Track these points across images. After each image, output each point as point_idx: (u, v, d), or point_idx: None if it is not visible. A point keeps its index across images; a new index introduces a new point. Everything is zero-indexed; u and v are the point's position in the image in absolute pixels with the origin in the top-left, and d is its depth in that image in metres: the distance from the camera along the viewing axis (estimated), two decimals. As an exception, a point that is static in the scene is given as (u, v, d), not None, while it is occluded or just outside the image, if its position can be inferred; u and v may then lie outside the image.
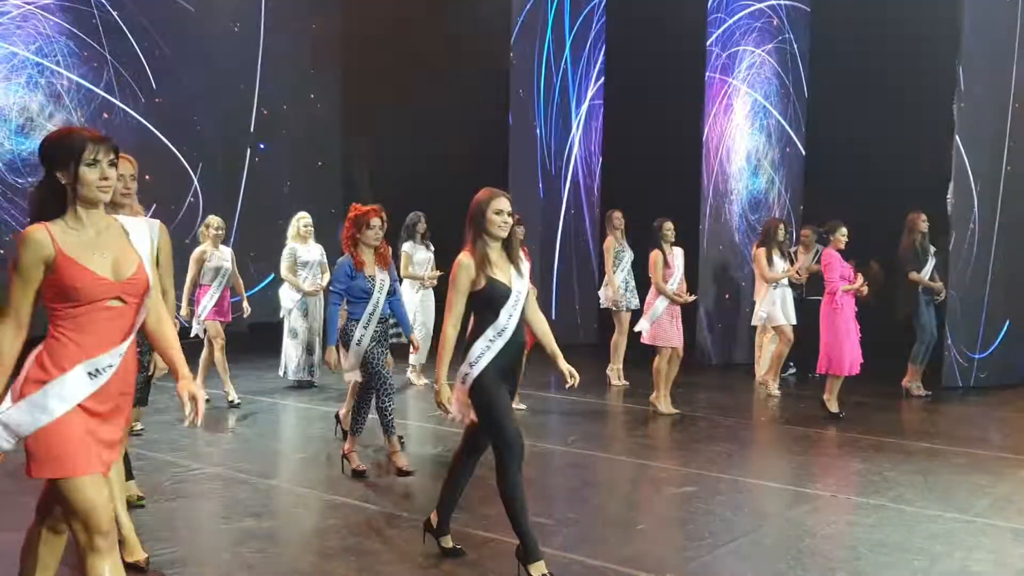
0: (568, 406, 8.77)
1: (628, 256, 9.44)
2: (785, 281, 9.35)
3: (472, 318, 4.33)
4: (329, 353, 6.00)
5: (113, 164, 2.96)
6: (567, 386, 4.37)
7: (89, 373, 2.93)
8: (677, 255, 8.37)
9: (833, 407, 8.24)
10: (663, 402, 8.39)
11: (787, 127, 12.06)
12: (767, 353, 9.77)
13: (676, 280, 8.26)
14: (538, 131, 12.75)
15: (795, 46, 12.11)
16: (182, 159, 12.18)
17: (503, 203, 4.28)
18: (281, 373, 9.32)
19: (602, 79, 13.43)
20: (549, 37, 12.79)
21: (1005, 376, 10.23)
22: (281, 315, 9.25)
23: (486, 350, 4.22)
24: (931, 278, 9.39)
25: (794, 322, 9.35)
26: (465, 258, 4.26)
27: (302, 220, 9.07)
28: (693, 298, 8.55)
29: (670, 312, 8.22)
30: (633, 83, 13.22)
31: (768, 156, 11.88)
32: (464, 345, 4.28)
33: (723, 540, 4.91)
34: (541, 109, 12.82)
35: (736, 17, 11.56)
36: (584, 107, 13.22)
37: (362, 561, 4.50)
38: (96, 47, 11.13)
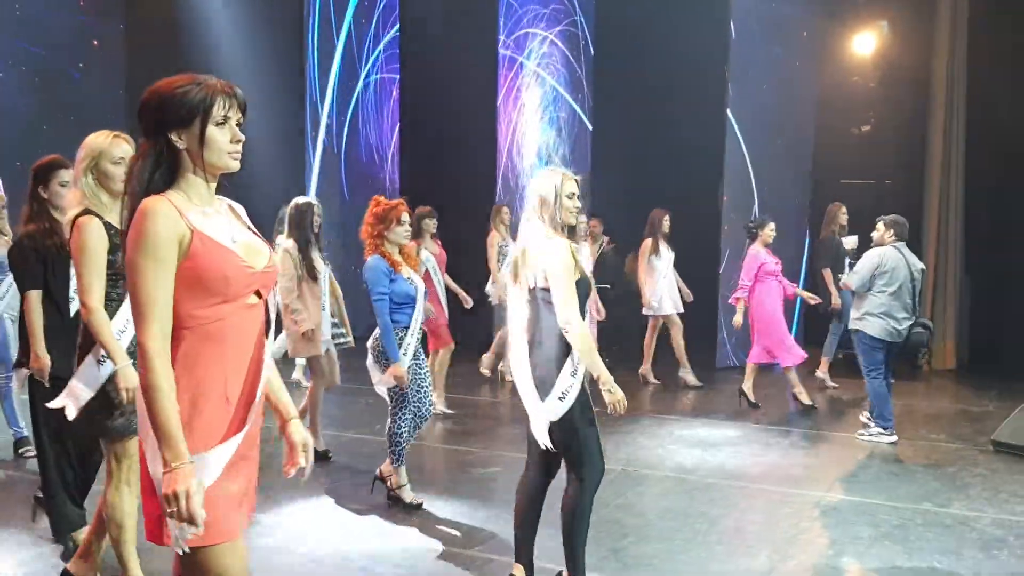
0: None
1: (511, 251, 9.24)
2: (670, 271, 9.40)
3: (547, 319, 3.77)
4: (396, 369, 5.08)
5: (241, 124, 2.32)
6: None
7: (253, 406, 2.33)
8: (583, 250, 8.11)
9: (751, 395, 8.42)
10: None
11: (581, 115, 12.36)
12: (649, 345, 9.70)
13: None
14: (308, 108, 12.08)
15: (586, 30, 12.29)
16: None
17: (574, 186, 3.83)
18: None
19: (393, 57, 12.96)
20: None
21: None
22: None
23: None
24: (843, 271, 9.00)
25: (681, 310, 9.47)
26: (565, 243, 3.73)
27: None
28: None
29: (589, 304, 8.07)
30: (429, 66, 12.92)
31: (559, 151, 12.28)
32: (554, 353, 3.75)
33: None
34: (314, 83, 12.07)
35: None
36: (359, 85, 12.64)
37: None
38: None
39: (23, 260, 4.25)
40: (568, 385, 3.71)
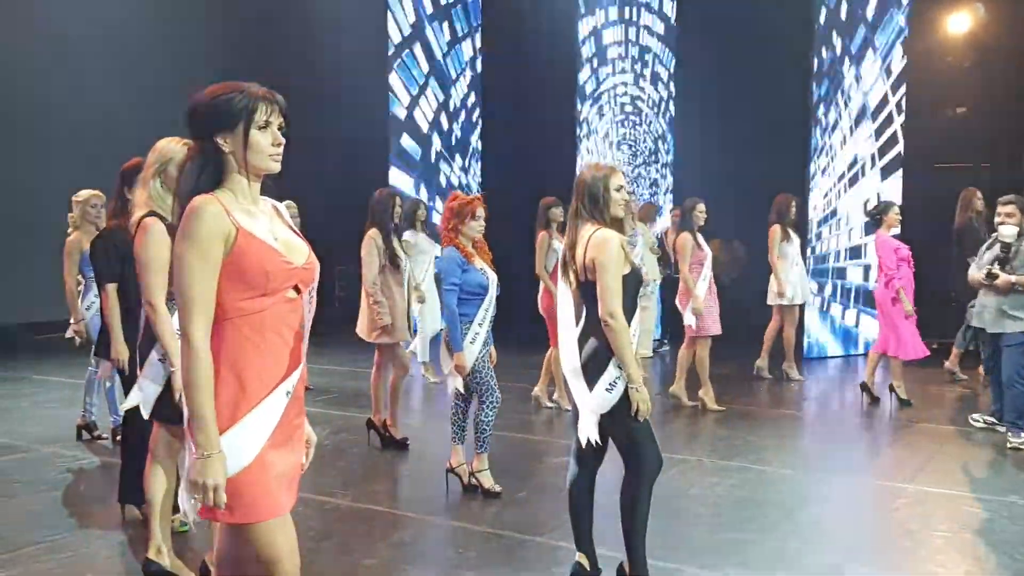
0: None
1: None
2: (799, 259, 9.10)
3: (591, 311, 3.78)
4: (459, 358, 5.25)
5: (282, 128, 2.45)
6: None
7: (287, 391, 2.43)
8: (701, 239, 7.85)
9: (902, 393, 8.00)
10: (710, 397, 7.90)
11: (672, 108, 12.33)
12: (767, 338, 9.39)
13: (709, 263, 7.78)
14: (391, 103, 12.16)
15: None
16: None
17: (621, 178, 3.85)
18: None
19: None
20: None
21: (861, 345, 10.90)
22: None
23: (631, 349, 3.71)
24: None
25: (810, 300, 9.12)
26: (615, 235, 3.73)
27: None
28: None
29: (711, 298, 7.75)
30: (509, 59, 13.09)
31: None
32: (603, 345, 3.72)
33: (599, 501, 5.21)
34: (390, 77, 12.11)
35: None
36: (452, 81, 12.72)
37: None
38: None
39: (103, 254, 4.50)
40: (616, 376, 3.70)
